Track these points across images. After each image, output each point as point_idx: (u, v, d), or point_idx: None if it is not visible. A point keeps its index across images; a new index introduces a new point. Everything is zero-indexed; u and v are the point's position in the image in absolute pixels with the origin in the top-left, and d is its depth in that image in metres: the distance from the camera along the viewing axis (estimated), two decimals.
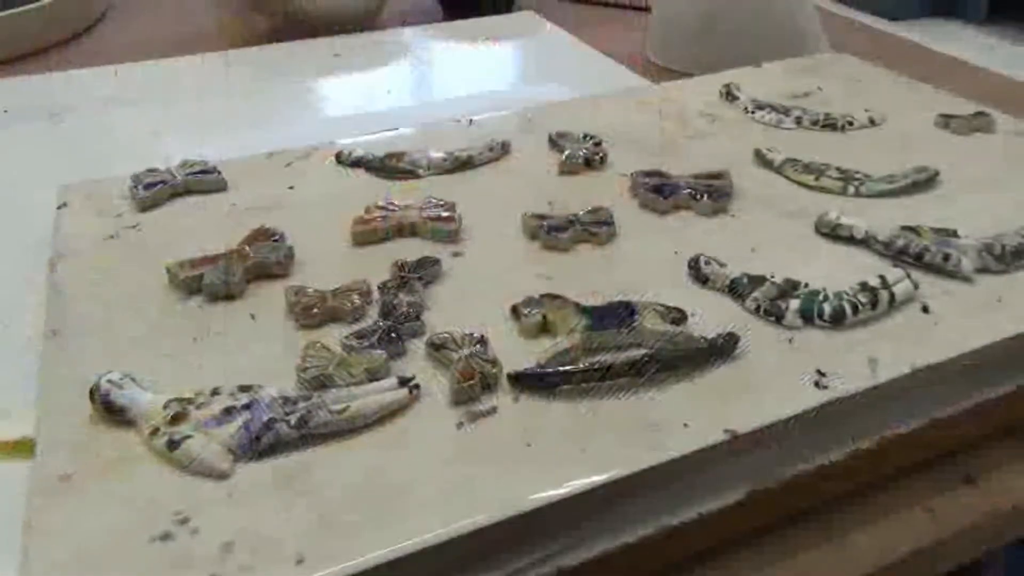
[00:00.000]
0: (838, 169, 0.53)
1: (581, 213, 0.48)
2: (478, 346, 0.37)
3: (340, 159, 0.56)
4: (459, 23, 0.93)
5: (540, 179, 0.54)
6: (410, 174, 0.54)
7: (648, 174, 0.52)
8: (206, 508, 0.30)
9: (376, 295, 0.41)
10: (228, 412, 0.32)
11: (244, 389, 0.34)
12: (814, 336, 0.39)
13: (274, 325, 0.40)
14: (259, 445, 0.32)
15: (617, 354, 0.37)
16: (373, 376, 0.35)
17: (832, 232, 0.46)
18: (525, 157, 0.57)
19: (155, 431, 0.32)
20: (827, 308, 0.39)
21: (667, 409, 0.34)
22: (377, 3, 0.91)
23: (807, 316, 0.39)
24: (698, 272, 0.42)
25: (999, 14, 1.03)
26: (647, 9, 0.99)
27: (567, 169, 0.54)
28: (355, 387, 0.34)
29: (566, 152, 0.55)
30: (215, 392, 0.34)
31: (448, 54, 0.81)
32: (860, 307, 0.39)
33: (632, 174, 0.52)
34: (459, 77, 0.75)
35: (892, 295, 0.40)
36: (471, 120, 0.62)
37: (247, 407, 0.33)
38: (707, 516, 0.34)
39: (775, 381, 0.36)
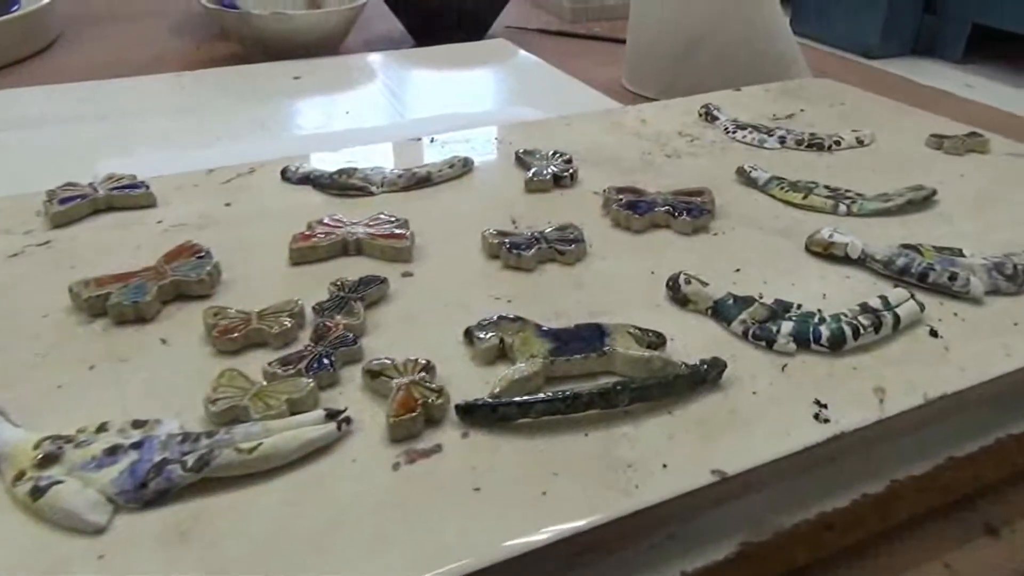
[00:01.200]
0: (827, 187, 0.49)
1: (548, 230, 0.43)
2: (423, 373, 0.31)
3: (285, 175, 0.51)
4: (428, 49, 0.90)
5: (504, 197, 0.49)
6: (362, 191, 0.49)
7: (622, 190, 0.47)
8: (73, 570, 0.24)
9: (310, 317, 0.36)
10: (112, 452, 0.27)
11: (138, 425, 0.29)
12: (811, 362, 0.34)
13: (188, 351, 0.34)
14: (146, 492, 0.26)
15: (585, 383, 0.32)
16: (296, 408, 0.30)
17: (825, 251, 0.42)
18: (489, 175, 0.52)
19: (20, 475, 0.26)
20: (824, 331, 0.34)
21: (643, 447, 0.29)
22: (341, 30, 0.87)
23: (802, 340, 0.34)
24: (678, 292, 0.38)
25: (975, 53, 1.02)
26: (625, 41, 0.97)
27: (534, 187, 0.50)
28: (273, 421, 0.29)
29: (532, 168, 0.51)
30: (102, 428, 0.28)
31: (414, 78, 0.77)
32: (861, 330, 0.34)
33: (605, 190, 0.47)
34: (424, 100, 0.72)
35: (896, 317, 0.35)
36: (432, 138, 0.58)
37: (137, 446, 0.27)
38: (692, 575, 0.29)
39: (768, 414, 0.31)
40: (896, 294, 0.37)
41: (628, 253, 0.43)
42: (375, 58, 0.86)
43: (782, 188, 0.49)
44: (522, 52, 0.88)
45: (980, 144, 0.55)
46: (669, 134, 0.59)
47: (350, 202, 0.48)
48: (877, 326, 0.35)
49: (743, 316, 0.36)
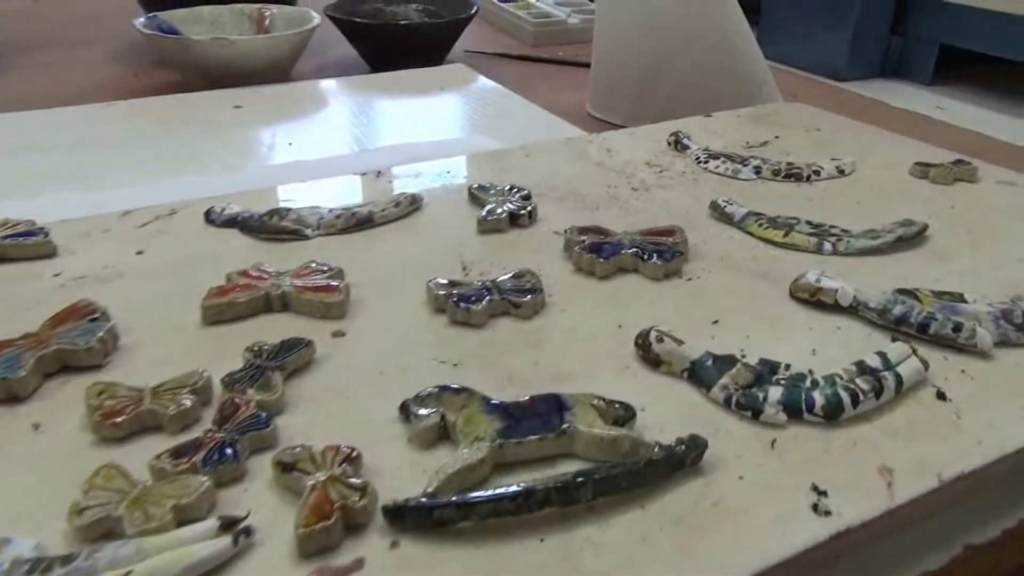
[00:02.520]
0: (810, 223, 0.45)
1: (501, 278, 0.38)
2: (344, 466, 0.26)
3: (210, 218, 0.45)
4: (382, 75, 0.85)
5: (455, 239, 0.44)
6: (295, 234, 0.44)
7: (585, 231, 0.42)
8: None
9: (218, 392, 0.31)
10: None
11: None
12: (804, 436, 0.29)
13: (64, 439, 0.29)
14: None
15: (540, 472, 0.27)
16: (185, 516, 0.24)
17: (812, 297, 0.37)
18: (439, 213, 0.47)
19: None
20: (818, 398, 0.30)
21: (611, 555, 0.24)
22: (290, 56, 0.82)
23: (793, 409, 0.29)
24: (648, 351, 0.33)
25: (944, 75, 0.99)
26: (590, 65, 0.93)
27: (488, 227, 0.45)
28: (151, 537, 0.23)
29: (487, 207, 0.46)
30: None
31: (366, 106, 0.72)
32: (861, 396, 0.30)
33: (566, 231, 0.43)
34: (376, 129, 0.67)
35: (899, 378, 0.31)
36: (380, 172, 0.53)
37: None
38: None
39: (758, 504, 0.26)
40: (896, 350, 0.32)
41: (592, 303, 0.38)
42: (326, 85, 0.81)
43: (760, 224, 0.44)
44: (481, 78, 0.84)
45: (968, 172, 0.51)
46: (636, 164, 0.55)
47: (282, 248, 0.43)
48: (878, 390, 0.30)
49: (724, 380, 0.31)
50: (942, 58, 0.98)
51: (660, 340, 0.33)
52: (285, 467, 0.26)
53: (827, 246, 0.42)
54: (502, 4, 1.17)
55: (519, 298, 0.36)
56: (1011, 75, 0.97)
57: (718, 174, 0.53)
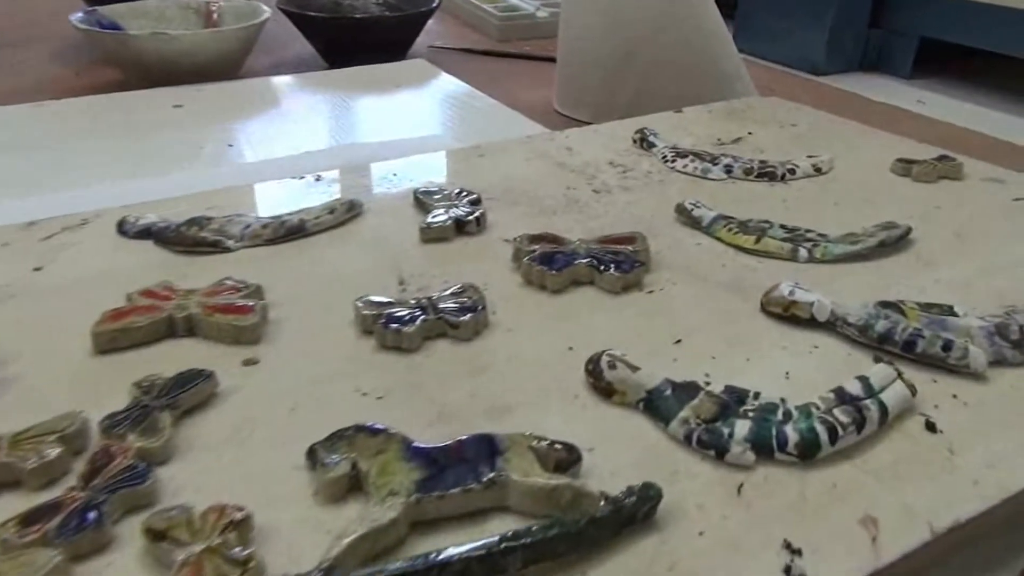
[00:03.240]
0: (784, 227, 0.41)
1: (439, 294, 0.34)
2: (226, 533, 0.22)
3: (122, 229, 0.41)
4: (338, 71, 0.80)
5: (395, 250, 0.40)
6: (215, 246, 0.39)
7: (537, 239, 0.38)
8: None
9: (96, 438, 0.26)
10: None
11: None
12: (775, 479, 0.25)
13: None
14: None
15: (466, 532, 0.23)
16: None
17: (786, 311, 0.33)
18: (380, 221, 0.43)
19: None
20: (792, 434, 0.26)
21: None
22: (238, 51, 0.77)
23: (763, 447, 0.26)
24: (600, 380, 0.29)
25: (924, 68, 0.97)
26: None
27: (431, 235, 0.41)
28: None
29: (431, 213, 0.42)
30: None
31: (317, 104, 0.68)
32: (840, 430, 0.26)
33: (516, 240, 0.39)
34: (326, 129, 0.62)
35: (883, 407, 0.27)
36: (319, 176, 0.49)
37: None
38: None
39: (720, 568, 0.22)
40: (879, 373, 0.28)
41: (541, 321, 0.34)
42: (275, 82, 0.76)
43: (730, 229, 0.40)
44: (443, 74, 0.80)
45: (953, 169, 0.48)
46: (598, 164, 0.51)
47: (199, 262, 0.38)
48: (859, 423, 0.26)
49: (685, 413, 0.27)
50: (921, 51, 0.96)
51: (612, 366, 0.29)
52: (155, 535, 0.22)
53: (802, 252, 0.39)
54: None
55: (457, 317, 0.32)
56: (992, 68, 0.94)
57: (686, 174, 0.49)
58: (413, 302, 0.33)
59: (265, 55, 0.94)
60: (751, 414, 0.27)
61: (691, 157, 0.50)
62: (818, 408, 0.27)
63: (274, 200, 0.45)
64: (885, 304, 0.33)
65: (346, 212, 0.42)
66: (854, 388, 0.28)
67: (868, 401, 0.27)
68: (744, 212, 0.43)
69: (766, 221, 0.41)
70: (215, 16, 0.85)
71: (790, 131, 0.56)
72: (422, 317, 0.32)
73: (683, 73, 0.67)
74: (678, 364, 0.31)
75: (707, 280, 0.37)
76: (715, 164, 0.49)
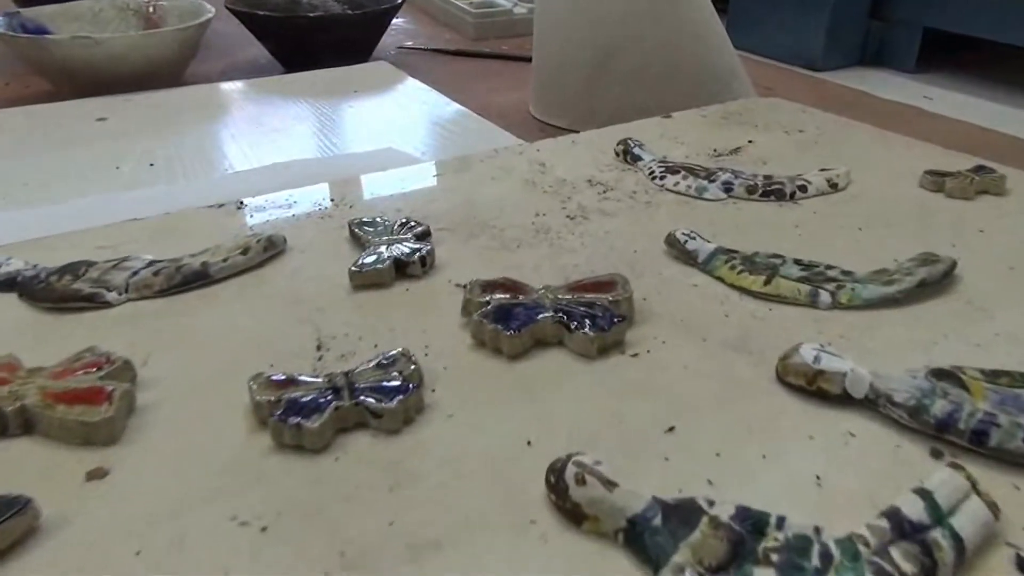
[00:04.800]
0: (799, 263, 0.33)
1: (362, 367, 0.26)
2: None
3: None
4: (290, 76, 0.73)
5: (317, 300, 0.32)
6: (91, 301, 0.31)
7: (492, 286, 0.31)
8: None
9: None
10: None
11: None
12: None
13: None
14: None
15: None
16: None
17: (811, 385, 0.26)
18: (305, 261, 0.35)
19: None
20: None
21: None
22: (177, 56, 0.69)
23: None
24: (564, 498, 0.21)
25: (928, 61, 0.89)
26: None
27: (363, 281, 0.33)
28: None
29: (365, 252, 0.34)
30: None
31: (260, 114, 0.60)
32: None
33: (467, 287, 0.31)
34: (264, 142, 0.54)
35: (958, 541, 0.19)
36: (241, 203, 0.41)
37: None
38: None
39: None
40: (947, 484, 0.21)
41: (492, 402, 0.26)
42: (220, 89, 0.68)
43: (733, 267, 0.33)
44: (407, 78, 0.72)
45: (994, 183, 0.40)
46: (575, 183, 0.43)
47: (70, 321, 0.31)
48: (928, 570, 0.18)
49: (681, 557, 0.19)
50: (924, 43, 0.89)
51: (581, 481, 0.21)
52: None
53: (824, 296, 0.31)
54: None
55: (381, 403, 0.24)
56: (1000, 60, 0.87)
57: (677, 193, 0.41)
58: (325, 380, 0.25)
59: (216, 59, 0.86)
60: (775, 557, 0.19)
61: (683, 173, 0.42)
62: (867, 545, 0.19)
63: (180, 236, 0.37)
64: (939, 373, 0.25)
65: (263, 251, 0.35)
66: (914, 510, 0.20)
67: (936, 532, 0.19)
68: (749, 242, 0.35)
69: (777, 255, 0.33)
70: (155, 17, 0.77)
71: (796, 138, 0.49)
72: (334, 404, 0.24)
73: (673, 72, 0.59)
74: (671, 467, 0.23)
75: (706, 337, 0.29)
76: (711, 181, 0.41)
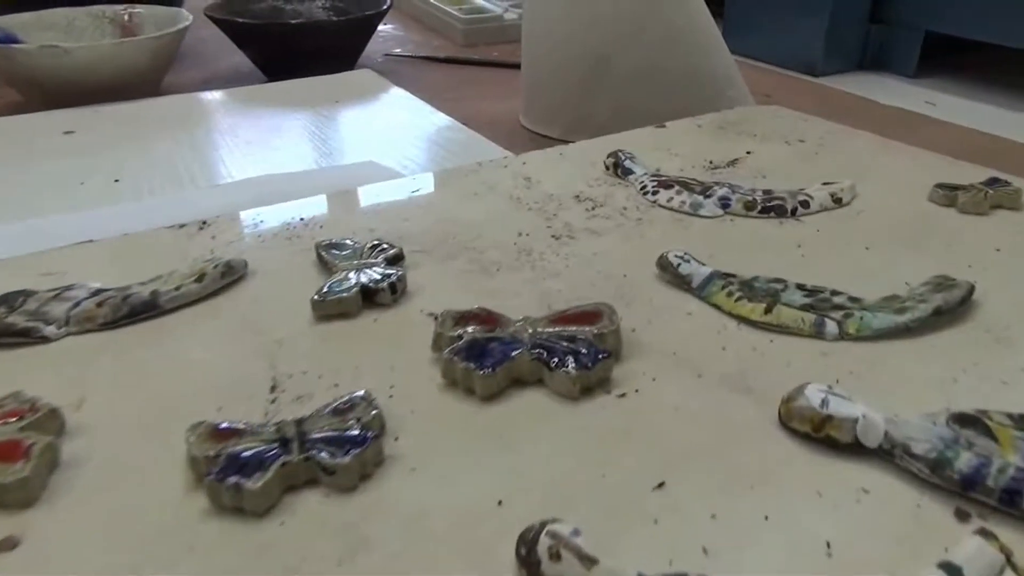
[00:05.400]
0: (802, 288, 0.30)
1: (316, 413, 0.24)
2: None
3: None
4: (269, 86, 0.70)
5: (276, 332, 0.29)
6: (26, 336, 0.29)
7: (467, 318, 0.28)
8: None
9: None
10: None
11: None
12: None
13: None
14: None
15: None
16: None
17: (818, 432, 0.23)
18: (266, 289, 0.32)
19: None
20: None
21: None
22: (152, 65, 0.66)
23: None
24: (536, 574, 0.18)
25: (929, 65, 0.87)
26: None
27: (327, 311, 0.30)
28: None
29: (331, 279, 0.31)
30: None
31: (236, 124, 0.57)
32: None
33: (439, 319, 0.28)
34: (239, 155, 0.51)
35: None
36: (204, 223, 0.38)
37: None
38: None
39: None
40: (976, 558, 0.18)
41: (461, 451, 0.23)
42: (195, 100, 0.65)
43: (730, 294, 0.30)
44: (392, 87, 0.69)
45: (1009, 196, 0.38)
46: (563, 198, 0.40)
47: (3, 357, 0.28)
48: None
49: None
50: (925, 47, 0.86)
51: (556, 556, 0.18)
52: None
53: (830, 327, 0.28)
54: (432, 0, 1.03)
55: (335, 457, 0.22)
56: (1002, 63, 0.84)
57: (671, 210, 0.39)
58: (273, 429, 0.23)
59: (198, 68, 0.83)
60: None
61: (677, 188, 0.39)
62: None
63: (135, 260, 0.34)
64: (962, 419, 0.22)
65: (220, 278, 0.32)
66: None
67: None
68: (747, 264, 0.32)
69: (778, 280, 0.31)
70: (131, 26, 0.74)
71: (797, 148, 0.46)
72: (280, 459, 0.22)
73: (667, 80, 0.57)
74: (660, 532, 0.20)
75: (701, 373, 0.26)
76: (707, 196, 0.39)
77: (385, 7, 0.78)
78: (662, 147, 0.47)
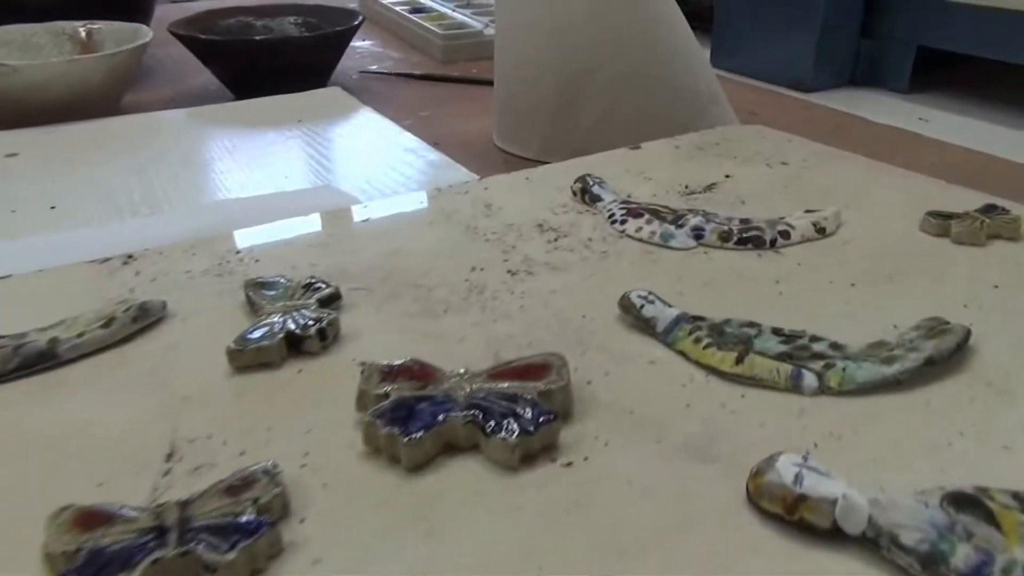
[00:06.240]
0: (778, 333, 0.27)
1: (207, 492, 0.20)
2: None
3: None
4: (232, 104, 0.67)
5: (189, 387, 0.26)
6: None
7: (395, 372, 0.25)
8: None
9: None
10: None
11: None
12: None
13: None
14: None
15: None
16: None
17: (791, 515, 0.20)
18: (183, 335, 0.29)
19: None
20: None
21: None
22: (107, 84, 0.63)
23: None
24: None
25: (921, 80, 0.84)
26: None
27: (245, 361, 0.27)
28: None
29: (251, 327, 0.28)
30: None
31: (191, 147, 0.54)
32: None
33: (364, 373, 0.25)
34: (186, 180, 0.48)
35: None
36: (129, 256, 0.35)
37: None
38: None
39: None
40: None
41: (376, 540, 0.20)
42: (151, 119, 0.62)
43: (698, 340, 0.27)
44: (361, 106, 0.66)
45: (1007, 225, 0.35)
46: (523, 228, 0.37)
47: None
48: None
49: None
50: (917, 62, 0.84)
51: None
52: None
53: (809, 379, 0.25)
54: (411, 15, 1.00)
55: (219, 551, 0.18)
56: (995, 78, 0.82)
57: (640, 240, 0.35)
58: (151, 515, 0.19)
59: (165, 86, 0.80)
60: None
61: (647, 216, 0.36)
62: None
63: (45, 301, 0.31)
64: (958, 499, 0.19)
65: (131, 322, 0.29)
66: None
67: None
68: (720, 303, 0.29)
69: (752, 324, 0.28)
70: (91, 43, 0.71)
71: (780, 172, 0.43)
72: (153, 555, 0.18)
73: (647, 98, 0.54)
74: None
75: (661, 437, 0.23)
76: (679, 226, 0.35)
77: (356, 23, 0.75)
78: (635, 170, 0.44)
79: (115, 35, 0.71)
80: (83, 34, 0.71)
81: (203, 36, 0.70)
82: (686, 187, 0.41)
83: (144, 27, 0.69)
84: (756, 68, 0.90)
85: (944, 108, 0.80)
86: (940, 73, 0.86)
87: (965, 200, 0.37)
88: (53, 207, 0.45)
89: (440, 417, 0.22)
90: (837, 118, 0.72)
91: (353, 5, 1.10)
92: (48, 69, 0.60)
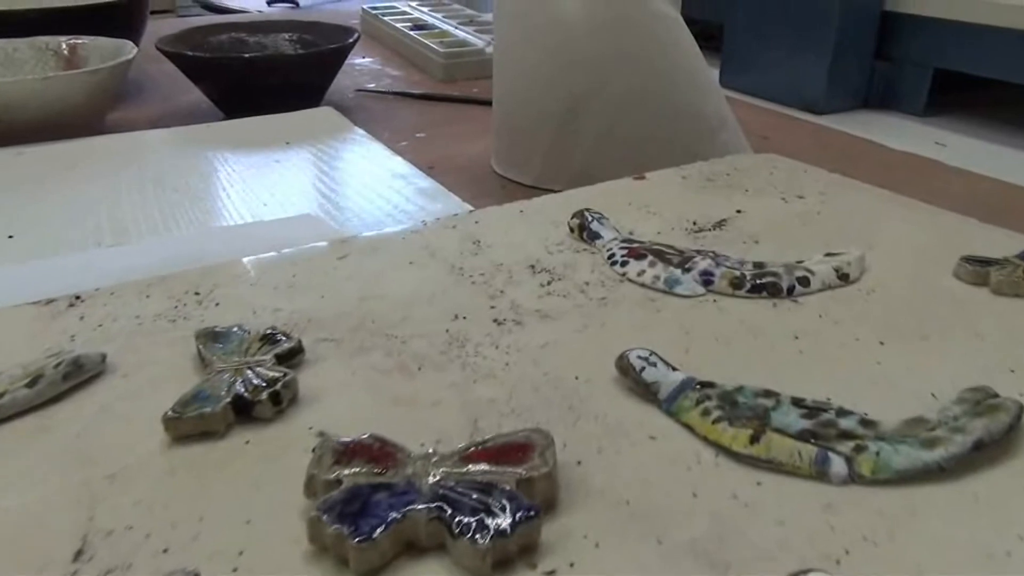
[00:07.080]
0: (799, 404, 0.23)
1: None
2: None
3: None
4: (217, 124, 0.64)
5: (117, 461, 0.22)
6: None
7: (351, 451, 0.21)
8: None
9: None
10: None
11: None
12: None
13: None
14: None
15: None
16: None
17: None
18: (124, 393, 0.26)
19: None
20: None
21: None
22: (86, 102, 0.60)
23: None
24: None
25: (938, 104, 0.81)
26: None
27: (185, 431, 0.23)
28: None
29: (194, 389, 0.25)
30: None
31: (168, 170, 0.50)
32: None
33: (315, 452, 0.21)
34: (158, 207, 0.44)
35: None
36: (76, 297, 0.31)
37: None
38: None
39: None
40: None
41: None
42: (134, 140, 0.59)
43: (707, 412, 0.23)
44: (353, 128, 0.63)
45: None
46: (514, 269, 0.34)
47: None
48: None
49: None
50: (933, 85, 0.81)
51: None
52: None
53: (837, 465, 0.21)
54: (413, 33, 0.97)
55: None
56: (1015, 102, 0.78)
57: (643, 286, 0.32)
58: None
59: (153, 104, 0.77)
60: None
61: (650, 258, 0.33)
62: None
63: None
64: None
65: (62, 380, 0.25)
66: None
67: None
68: (731, 364, 0.26)
69: (769, 393, 0.24)
70: (75, 59, 0.69)
71: (796, 206, 0.40)
72: None
73: (653, 122, 0.50)
74: None
75: (662, 536, 0.20)
76: (686, 270, 0.32)
77: (352, 40, 0.72)
78: (639, 203, 0.40)
79: (100, 51, 0.68)
80: (66, 50, 0.68)
81: (190, 53, 0.67)
82: (694, 223, 0.38)
83: (129, 43, 0.67)
84: (767, 89, 0.87)
85: (961, 132, 0.77)
86: (956, 96, 0.83)
87: (1003, 243, 0.34)
88: (11, 236, 0.42)
89: (399, 513, 0.19)
90: (853, 143, 0.68)
91: (355, 22, 1.07)
92: (26, 86, 0.57)
